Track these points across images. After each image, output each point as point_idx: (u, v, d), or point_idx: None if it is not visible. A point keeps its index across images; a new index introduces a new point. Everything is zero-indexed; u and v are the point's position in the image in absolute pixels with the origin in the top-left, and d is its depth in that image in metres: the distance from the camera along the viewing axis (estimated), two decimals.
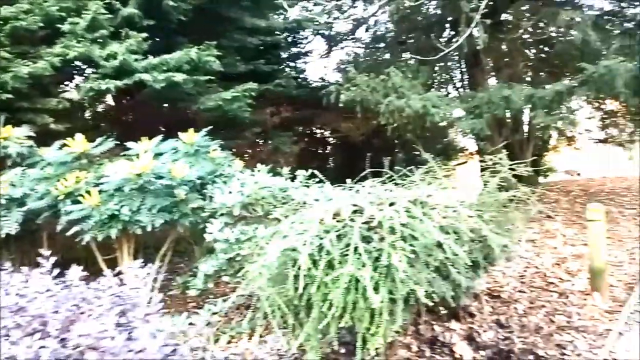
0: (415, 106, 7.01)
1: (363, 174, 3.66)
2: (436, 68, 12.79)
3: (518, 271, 5.47)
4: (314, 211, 3.00)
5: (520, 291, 4.72)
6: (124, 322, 1.65)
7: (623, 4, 9.95)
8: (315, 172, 4.14)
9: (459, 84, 13.60)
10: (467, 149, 16.60)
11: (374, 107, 7.37)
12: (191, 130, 4.84)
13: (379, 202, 3.04)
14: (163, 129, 6.50)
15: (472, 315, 3.98)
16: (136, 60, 5.66)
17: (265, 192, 4.16)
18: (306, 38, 12.13)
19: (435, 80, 13.42)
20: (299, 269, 2.69)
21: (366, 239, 2.83)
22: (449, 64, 12.99)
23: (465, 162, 16.76)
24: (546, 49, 11.44)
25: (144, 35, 5.77)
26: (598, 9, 10.70)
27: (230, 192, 4.16)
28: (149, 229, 4.10)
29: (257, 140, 10.02)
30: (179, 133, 4.87)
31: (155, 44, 6.13)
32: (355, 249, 2.69)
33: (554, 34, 9.78)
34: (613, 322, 3.78)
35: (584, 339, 3.50)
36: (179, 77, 5.66)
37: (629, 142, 17.96)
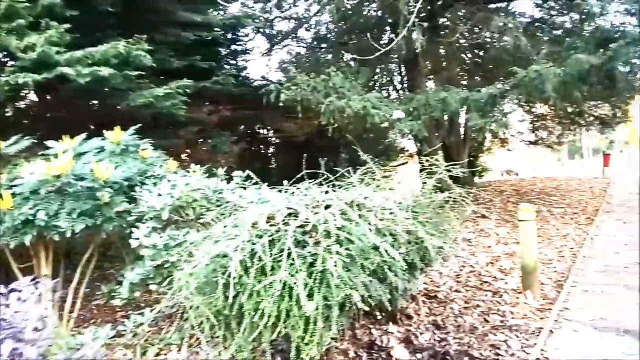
0: (356, 107, 7.00)
1: (299, 175, 3.54)
2: (377, 70, 12.96)
3: (454, 271, 5.56)
4: (248, 215, 2.84)
5: (456, 291, 4.78)
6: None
7: (552, 12, 10.46)
8: (250, 173, 3.97)
9: (399, 87, 13.86)
10: (407, 150, 16.97)
11: (315, 107, 7.29)
12: (118, 128, 4.52)
13: (315, 205, 2.93)
14: (93, 128, 6.11)
15: (409, 317, 3.96)
16: (58, 53, 5.24)
17: (197, 194, 3.95)
18: (247, 36, 11.91)
19: (376, 82, 13.60)
20: (229, 276, 2.53)
21: (301, 244, 2.71)
22: (390, 66, 13.21)
23: (406, 163, 17.12)
24: (481, 54, 11.86)
25: (67, 26, 5.35)
26: (529, 16, 11.21)
27: (159, 195, 3.92)
28: (68, 235, 3.77)
29: (195, 140, 9.67)
30: (105, 131, 4.55)
31: (81, 36, 5.72)
32: (289, 254, 2.56)
33: (488, 40, 10.13)
34: (544, 321, 3.88)
35: (517, 339, 3.56)
36: (105, 71, 5.29)
37: (557, 144, 19.06)
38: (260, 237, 2.67)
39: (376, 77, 13.44)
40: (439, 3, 9.65)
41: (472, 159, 20.00)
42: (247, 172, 4.34)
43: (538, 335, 3.60)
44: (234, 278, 2.52)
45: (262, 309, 2.51)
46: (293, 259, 2.58)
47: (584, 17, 9.87)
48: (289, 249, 2.55)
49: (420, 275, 3.93)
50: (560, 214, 9.45)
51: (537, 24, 10.99)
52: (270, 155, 15.09)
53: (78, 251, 4.79)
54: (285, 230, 2.66)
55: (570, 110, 14.03)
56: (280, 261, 2.56)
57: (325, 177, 3.53)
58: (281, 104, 7.30)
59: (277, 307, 2.51)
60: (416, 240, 3.39)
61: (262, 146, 14.90)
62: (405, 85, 12.65)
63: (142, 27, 6.37)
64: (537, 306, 4.24)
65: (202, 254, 2.71)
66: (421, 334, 3.71)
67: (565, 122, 15.67)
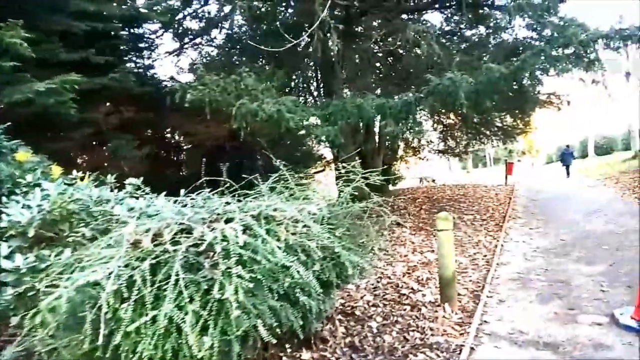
0: (269, 110, 6.58)
1: (198, 182, 3.06)
2: (294, 76, 12.64)
3: (372, 283, 5.30)
4: (127, 231, 2.31)
5: (374, 305, 4.49)
6: None
7: (461, 25, 10.80)
8: (135, 180, 3.41)
9: (315, 93, 13.64)
10: (324, 157, 16.83)
11: (225, 110, 6.76)
12: None
13: (213, 219, 2.46)
14: None
15: (324, 340, 3.59)
16: None
17: (76, 205, 3.31)
18: (155, 33, 11.09)
19: (293, 87, 13.29)
20: (100, 310, 2.01)
21: (195, 267, 2.24)
22: (307, 72, 12.95)
23: (323, 170, 16.98)
24: (397, 65, 11.98)
25: None
26: (439, 29, 11.49)
27: (28, 207, 3.23)
28: None
29: (93, 143, 8.73)
30: None
31: None
32: (178, 280, 2.08)
33: (401, 49, 10.18)
34: (464, 336, 3.68)
35: (439, 358, 3.32)
36: None
37: (464, 153, 19.98)
38: (143, 259, 2.17)
39: (293, 83, 13.14)
40: (355, 10, 9.53)
41: (385, 166, 20.41)
42: (141, 178, 3.80)
43: (459, 353, 3.38)
44: (106, 312, 2.00)
45: (141, 350, 2.01)
46: (185, 286, 2.11)
47: (490, 30, 10.29)
48: (177, 274, 2.07)
49: (337, 292, 3.59)
50: (470, 221, 9.67)
51: (447, 36, 11.31)
52: (181, 160, 14.17)
53: None
54: (175, 250, 2.17)
55: (476, 120, 14.67)
56: (167, 289, 2.08)
57: (227, 185, 3.07)
58: (186, 105, 6.68)
59: (162, 346, 2.02)
60: (332, 256, 3.05)
61: (172, 151, 13.96)
62: (322, 92, 12.43)
63: (19, 12, 5.49)
64: (456, 320, 4.06)
65: (66, 282, 2.15)
66: (337, 359, 3.35)
67: (471, 132, 16.39)
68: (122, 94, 8.38)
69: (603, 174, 18.57)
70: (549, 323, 3.91)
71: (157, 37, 11.22)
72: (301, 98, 13.22)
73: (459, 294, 4.70)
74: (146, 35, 10.69)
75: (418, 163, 22.72)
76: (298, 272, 2.33)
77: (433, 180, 20.86)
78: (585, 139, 34.00)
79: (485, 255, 6.43)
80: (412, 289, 4.97)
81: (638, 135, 22.28)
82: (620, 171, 17.62)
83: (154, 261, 2.15)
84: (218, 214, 2.48)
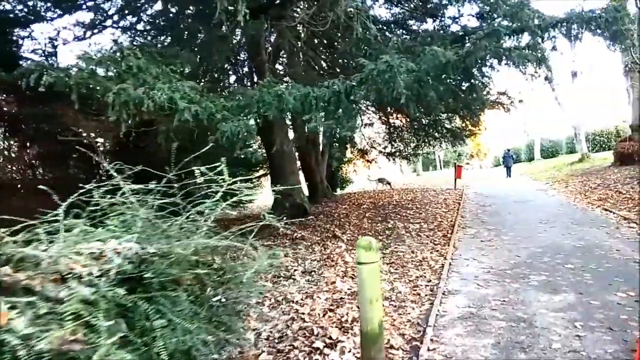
0: (159, 98, 5.10)
1: None
2: (227, 67, 11.13)
3: (280, 328, 3.95)
4: None
5: None
6: None
7: (407, 17, 9.69)
8: None
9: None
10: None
11: (100, 97, 5.22)
12: None
13: None
14: None
15: None
16: None
17: None
18: (54, 13, 9.34)
19: (225, 81, 11.76)
20: None
21: None
22: (233, 61, 11.46)
23: (266, 174, 15.66)
24: (331, 52, 10.77)
25: None
26: (386, 21, 10.36)
27: None
28: None
29: None
30: None
31: None
32: None
33: (338, 35, 8.95)
34: None
35: None
36: None
37: (413, 155, 19.09)
38: None
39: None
40: None
41: (333, 169, 19.22)
42: None
43: None
44: None
45: None
46: None
47: (436, 20, 9.24)
48: None
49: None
50: (416, 231, 8.53)
51: (392, 26, 10.19)
52: (92, 163, 12.29)
53: None
54: None
55: (425, 121, 13.75)
56: None
57: None
58: (41, 90, 5.06)
59: None
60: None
61: (88, 151, 12.05)
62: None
63: None
64: None
65: None
66: None
67: (420, 133, 15.49)
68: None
69: (550, 177, 18.14)
70: None
71: (55, 19, 9.49)
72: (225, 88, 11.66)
73: (391, 347, 3.42)
74: (41, 14, 8.97)
75: (367, 166, 21.68)
76: None
77: (389, 183, 19.84)
78: (532, 142, 34.25)
79: (429, 281, 5.20)
80: (329, 338, 3.63)
81: (584, 138, 22.19)
82: (569, 174, 17.19)
83: None
84: None
